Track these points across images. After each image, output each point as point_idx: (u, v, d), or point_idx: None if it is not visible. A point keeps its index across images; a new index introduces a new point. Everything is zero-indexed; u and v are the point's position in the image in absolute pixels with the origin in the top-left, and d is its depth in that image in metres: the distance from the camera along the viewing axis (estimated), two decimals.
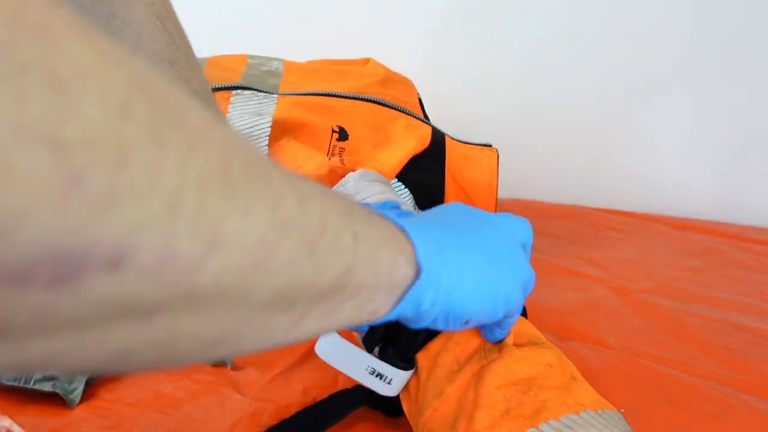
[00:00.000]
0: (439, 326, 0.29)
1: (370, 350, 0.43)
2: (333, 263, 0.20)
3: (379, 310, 0.25)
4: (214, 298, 0.16)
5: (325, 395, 0.47)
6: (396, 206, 0.44)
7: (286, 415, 0.46)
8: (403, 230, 0.26)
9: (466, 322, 0.29)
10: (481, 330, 0.38)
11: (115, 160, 0.12)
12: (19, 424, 0.43)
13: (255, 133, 0.75)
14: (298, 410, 0.46)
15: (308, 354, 0.57)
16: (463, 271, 0.28)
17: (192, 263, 0.14)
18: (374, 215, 0.24)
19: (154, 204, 0.13)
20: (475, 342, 0.39)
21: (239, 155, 0.17)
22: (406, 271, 0.25)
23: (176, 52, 0.43)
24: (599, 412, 0.34)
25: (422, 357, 0.40)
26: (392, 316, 0.26)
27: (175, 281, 0.14)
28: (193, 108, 0.16)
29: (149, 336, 0.15)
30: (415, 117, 0.79)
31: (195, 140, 0.15)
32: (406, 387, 0.43)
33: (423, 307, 0.26)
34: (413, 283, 0.25)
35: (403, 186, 0.77)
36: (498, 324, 0.35)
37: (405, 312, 0.26)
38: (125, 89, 0.13)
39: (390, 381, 0.42)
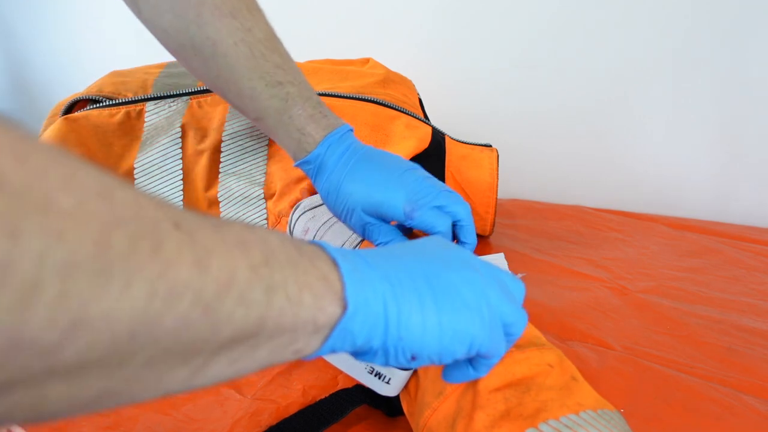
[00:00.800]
0: (379, 361, 0.28)
1: None
2: (237, 317, 0.20)
3: (304, 349, 0.24)
4: (82, 370, 0.16)
5: (325, 395, 0.47)
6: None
7: (286, 415, 0.46)
8: (336, 267, 0.25)
9: (413, 358, 0.28)
10: (446, 369, 0.34)
11: None
12: (19, 424, 0.43)
13: (255, 134, 0.75)
14: (298, 410, 0.46)
15: None
16: (406, 306, 0.27)
17: (48, 347, 0.14)
18: (303, 258, 0.24)
19: (2, 299, 0.13)
20: None
21: (125, 228, 0.16)
22: (333, 311, 0.24)
23: (237, 2, 0.45)
24: (599, 412, 0.34)
25: None
26: (324, 352, 0.25)
27: (27, 364, 0.14)
28: (69, 188, 0.15)
29: (12, 405, 0.15)
30: (415, 117, 0.79)
31: (64, 225, 0.15)
32: (406, 387, 0.43)
33: (359, 342, 0.26)
34: (339, 319, 0.25)
35: None
36: (470, 362, 0.32)
37: (339, 347, 0.26)
38: None
39: (389, 380, 0.42)
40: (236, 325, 0.20)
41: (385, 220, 0.47)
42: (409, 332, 0.27)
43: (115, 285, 0.16)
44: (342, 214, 0.48)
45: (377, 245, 0.47)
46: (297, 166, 0.50)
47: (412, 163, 0.49)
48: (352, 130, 0.49)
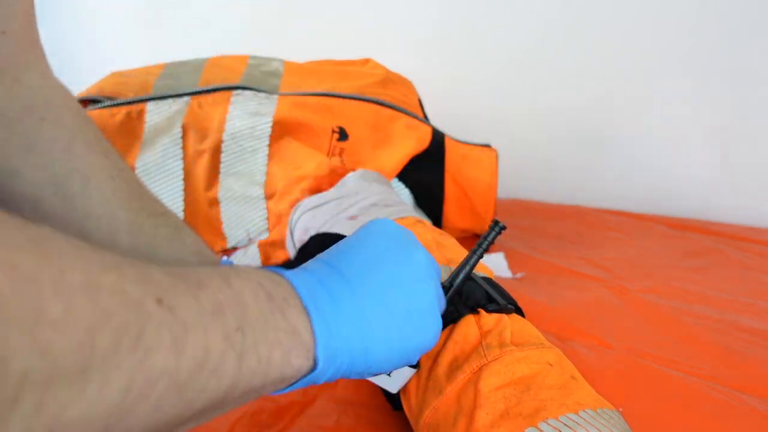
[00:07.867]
0: (333, 379, 0.30)
1: None
2: (209, 389, 0.21)
3: (268, 392, 0.26)
4: None
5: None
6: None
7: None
8: (308, 317, 0.26)
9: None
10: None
11: None
12: None
13: (256, 134, 0.75)
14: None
15: None
16: (373, 344, 0.29)
17: None
18: (274, 311, 0.25)
19: None
20: (473, 341, 0.39)
21: (109, 324, 0.16)
22: (301, 364, 0.26)
23: (108, 145, 0.44)
24: (598, 411, 0.34)
25: (423, 357, 0.40)
26: (288, 390, 0.28)
27: None
28: (57, 292, 0.15)
29: None
30: (415, 117, 0.79)
31: (51, 337, 0.15)
32: (406, 387, 0.43)
33: (319, 382, 0.28)
34: (308, 372, 0.26)
35: (404, 186, 0.77)
36: None
37: (304, 385, 0.28)
38: None
39: (390, 373, 0.42)
40: (208, 396, 0.21)
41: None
42: (379, 359, 0.30)
43: (94, 385, 0.16)
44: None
45: None
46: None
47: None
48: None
